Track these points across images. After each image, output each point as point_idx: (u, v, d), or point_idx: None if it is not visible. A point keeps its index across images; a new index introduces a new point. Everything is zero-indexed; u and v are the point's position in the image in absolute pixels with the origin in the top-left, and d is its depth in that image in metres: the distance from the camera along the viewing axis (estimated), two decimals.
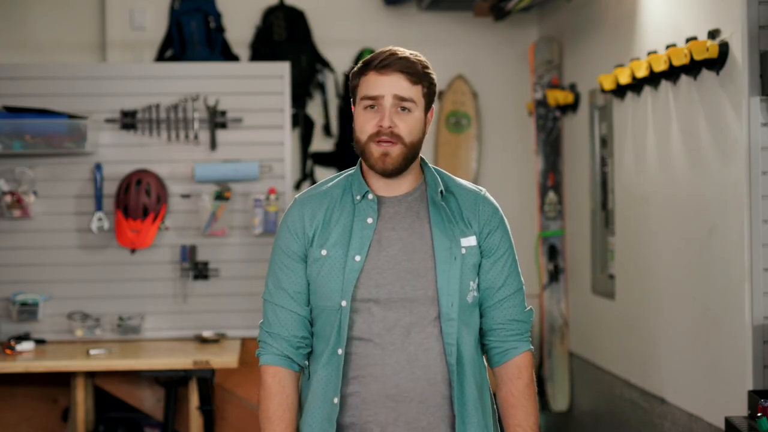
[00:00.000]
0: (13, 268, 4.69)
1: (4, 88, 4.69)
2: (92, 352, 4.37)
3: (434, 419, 2.28)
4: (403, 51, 2.28)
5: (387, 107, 2.23)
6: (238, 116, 4.79)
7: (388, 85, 2.23)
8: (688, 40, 3.66)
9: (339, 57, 5.75)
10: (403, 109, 2.25)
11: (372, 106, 2.25)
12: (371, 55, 2.29)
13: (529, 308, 2.40)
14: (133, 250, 4.64)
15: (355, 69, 2.31)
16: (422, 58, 2.30)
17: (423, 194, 2.35)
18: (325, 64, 5.73)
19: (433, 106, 2.35)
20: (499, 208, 2.40)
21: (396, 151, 2.25)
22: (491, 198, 2.40)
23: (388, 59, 2.25)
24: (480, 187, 2.41)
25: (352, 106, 2.33)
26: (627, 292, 4.54)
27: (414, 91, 2.25)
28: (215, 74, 4.85)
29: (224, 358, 4.29)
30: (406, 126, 2.25)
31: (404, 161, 2.27)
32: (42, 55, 5.55)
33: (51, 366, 4.28)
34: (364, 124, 2.26)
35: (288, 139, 4.84)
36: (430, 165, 2.39)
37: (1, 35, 5.59)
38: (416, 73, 2.26)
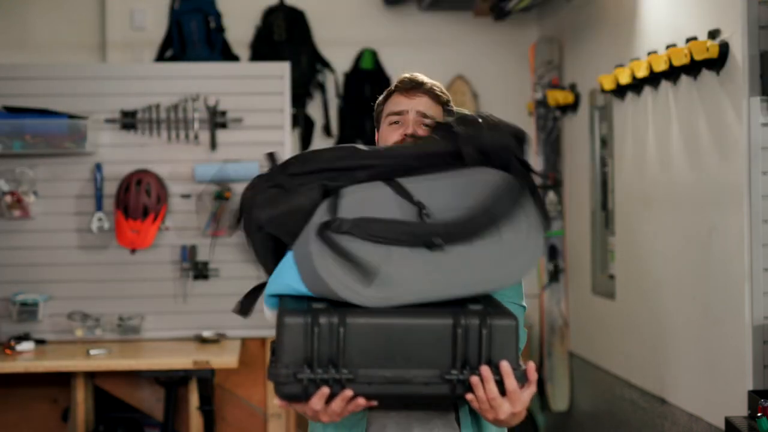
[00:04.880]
0: (13, 268, 4.69)
1: (4, 88, 4.69)
2: (92, 352, 4.38)
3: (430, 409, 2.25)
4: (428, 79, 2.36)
5: (411, 120, 2.29)
6: (239, 116, 4.79)
7: (412, 103, 2.30)
8: (688, 40, 3.66)
9: (339, 57, 5.75)
10: (426, 126, 2.29)
11: (397, 122, 2.30)
12: (396, 82, 2.36)
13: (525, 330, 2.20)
14: (133, 250, 4.63)
15: (381, 98, 2.37)
16: (446, 91, 2.36)
17: None
18: (325, 64, 5.73)
19: None
20: None
21: None
22: None
23: (413, 82, 2.32)
24: None
25: (377, 133, 2.38)
26: (627, 292, 4.53)
27: (436, 111, 2.31)
28: (215, 74, 4.85)
29: (224, 358, 4.29)
30: None
31: None
32: (42, 55, 5.55)
33: (51, 366, 4.28)
34: (388, 136, 2.30)
35: (288, 139, 4.84)
36: None
37: (1, 35, 5.59)
38: (439, 97, 2.33)
